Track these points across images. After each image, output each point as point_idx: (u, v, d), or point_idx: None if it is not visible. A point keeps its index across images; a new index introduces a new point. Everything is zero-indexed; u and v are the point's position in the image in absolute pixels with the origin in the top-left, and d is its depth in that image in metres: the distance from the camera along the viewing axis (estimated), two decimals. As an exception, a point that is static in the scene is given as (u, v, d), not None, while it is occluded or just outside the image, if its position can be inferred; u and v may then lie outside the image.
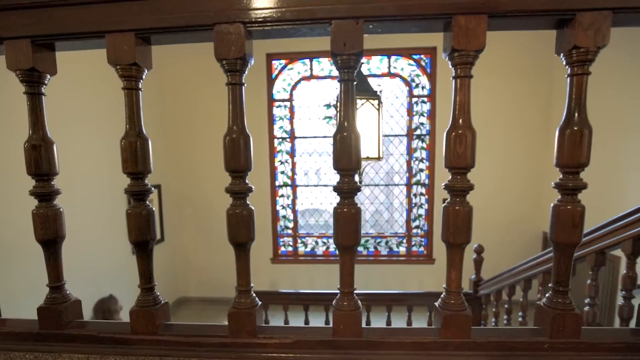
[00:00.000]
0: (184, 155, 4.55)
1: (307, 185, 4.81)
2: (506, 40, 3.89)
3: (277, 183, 4.72)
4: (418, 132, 4.52)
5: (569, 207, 0.62)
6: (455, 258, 0.65)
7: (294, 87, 4.60)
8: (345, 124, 0.63)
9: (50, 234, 0.70)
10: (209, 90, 4.13)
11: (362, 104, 2.38)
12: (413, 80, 4.45)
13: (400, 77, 4.46)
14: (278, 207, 4.76)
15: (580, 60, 0.59)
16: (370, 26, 0.61)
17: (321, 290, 3.28)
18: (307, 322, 3.01)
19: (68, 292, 0.76)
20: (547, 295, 0.68)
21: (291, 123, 4.64)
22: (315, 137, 4.65)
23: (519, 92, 4.17)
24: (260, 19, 0.61)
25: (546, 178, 4.29)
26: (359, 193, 0.66)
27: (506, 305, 2.49)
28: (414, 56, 4.37)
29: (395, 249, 4.74)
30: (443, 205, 0.65)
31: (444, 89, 4.36)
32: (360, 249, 4.74)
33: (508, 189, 4.37)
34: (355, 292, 0.68)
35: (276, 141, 4.67)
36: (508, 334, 0.66)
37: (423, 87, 4.46)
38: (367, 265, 4.65)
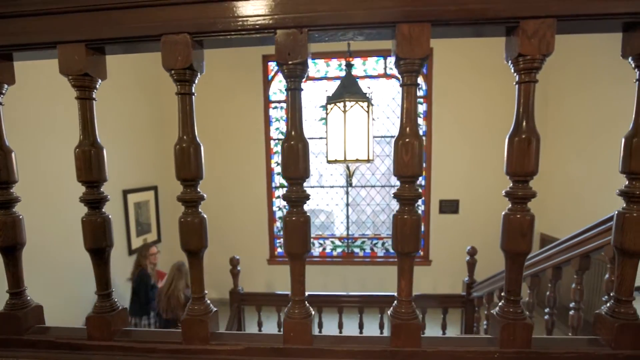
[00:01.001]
0: (181, 156, 4.56)
1: (303, 187, 4.81)
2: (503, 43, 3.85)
3: (273, 184, 4.73)
4: (414, 133, 4.50)
5: (518, 215, 0.62)
6: (405, 266, 0.65)
7: (290, 89, 4.60)
8: (293, 132, 0.63)
9: (8, 240, 0.71)
10: (205, 91, 4.14)
11: (352, 106, 2.38)
12: (409, 81, 4.43)
13: (396, 78, 4.45)
14: (274, 209, 4.76)
15: (526, 68, 0.59)
16: (316, 35, 0.61)
17: (315, 292, 3.27)
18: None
19: (29, 298, 0.77)
20: (499, 304, 0.67)
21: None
22: (312, 138, 4.64)
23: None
24: (206, 30, 0.61)
25: (544, 178, 4.24)
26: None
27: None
28: (410, 57, 4.35)
29: (392, 250, 4.71)
30: (393, 214, 0.65)
31: (440, 90, 4.34)
32: (356, 250, 4.73)
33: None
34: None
35: (272, 142, 4.68)
36: (458, 343, 0.66)
37: (419, 89, 4.44)
38: (363, 267, 4.63)
